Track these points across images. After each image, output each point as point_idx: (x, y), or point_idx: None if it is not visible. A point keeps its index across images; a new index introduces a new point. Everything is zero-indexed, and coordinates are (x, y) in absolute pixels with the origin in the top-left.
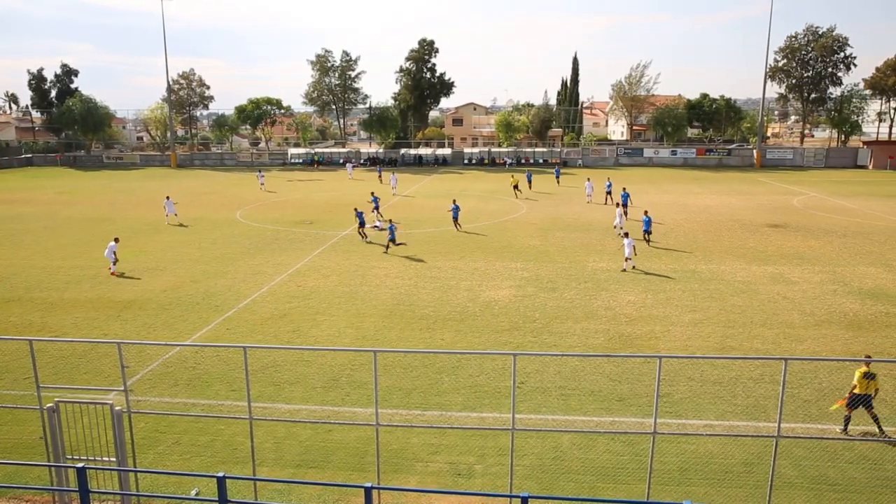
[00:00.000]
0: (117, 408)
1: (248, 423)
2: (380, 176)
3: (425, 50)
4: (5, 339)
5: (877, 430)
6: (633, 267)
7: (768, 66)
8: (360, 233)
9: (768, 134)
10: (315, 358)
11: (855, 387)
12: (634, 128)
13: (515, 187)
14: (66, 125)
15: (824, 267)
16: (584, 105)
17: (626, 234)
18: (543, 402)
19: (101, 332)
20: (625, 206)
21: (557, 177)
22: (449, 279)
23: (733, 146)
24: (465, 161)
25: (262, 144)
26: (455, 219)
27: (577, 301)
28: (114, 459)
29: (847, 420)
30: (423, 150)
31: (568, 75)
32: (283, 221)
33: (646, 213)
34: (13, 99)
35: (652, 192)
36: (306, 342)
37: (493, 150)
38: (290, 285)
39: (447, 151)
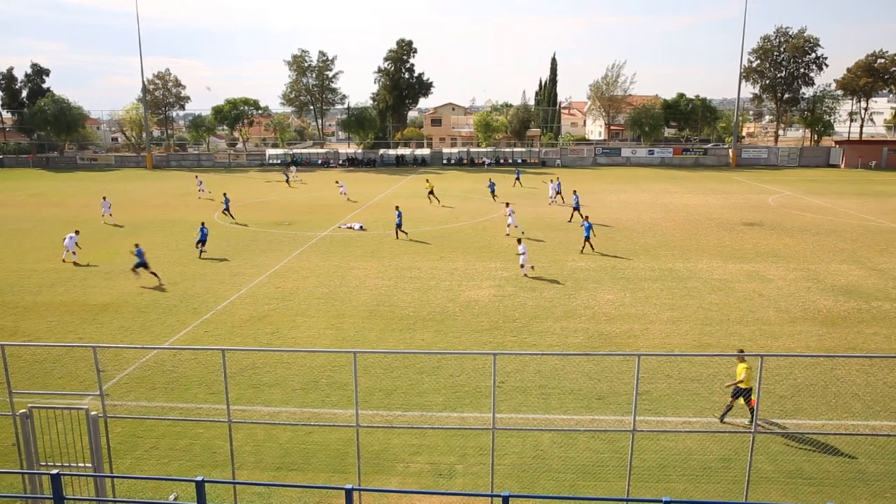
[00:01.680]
0: (93, 413)
1: (227, 427)
2: (287, 180)
3: (403, 50)
4: None
5: (748, 421)
6: (532, 267)
7: (743, 66)
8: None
9: (743, 133)
10: (295, 360)
11: (742, 381)
12: (612, 128)
13: (430, 193)
14: (38, 126)
15: (799, 264)
16: (563, 105)
17: (520, 241)
18: (524, 401)
19: (75, 336)
20: (576, 208)
21: (518, 178)
22: (429, 279)
23: (709, 146)
24: (444, 161)
25: (240, 145)
26: (399, 225)
27: (556, 300)
28: (90, 465)
29: (728, 409)
30: (402, 151)
31: (546, 75)
32: (262, 222)
33: (586, 218)
34: None
35: (630, 192)
36: (286, 344)
37: (472, 150)
38: (269, 287)
39: (426, 152)
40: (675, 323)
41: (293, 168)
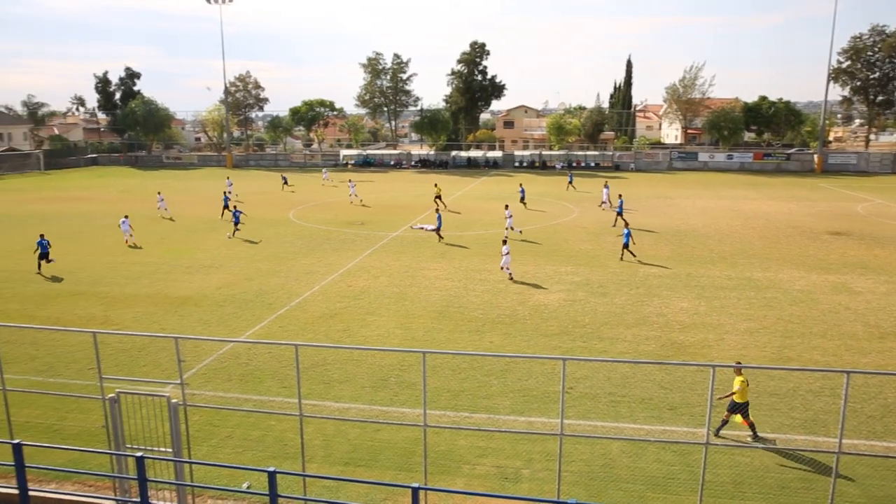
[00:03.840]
0: (174, 400)
1: (298, 420)
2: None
3: (476, 52)
4: (72, 331)
5: (751, 437)
6: (510, 275)
7: (831, 67)
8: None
9: (830, 138)
10: (364, 357)
11: (734, 393)
12: (689, 131)
13: (438, 198)
14: (129, 126)
15: (891, 277)
16: (638, 108)
17: (505, 242)
18: (592, 408)
19: (159, 327)
20: (620, 213)
21: (570, 181)
22: (498, 282)
23: (793, 151)
24: (516, 164)
25: (315, 146)
26: (437, 228)
27: (628, 307)
28: (170, 450)
29: (724, 424)
30: (473, 153)
31: (621, 77)
32: (335, 222)
33: (626, 224)
34: (81, 101)
35: (706, 197)
36: (356, 342)
37: (545, 152)
38: (340, 285)
39: (498, 154)
40: (753, 334)
41: (324, 171)
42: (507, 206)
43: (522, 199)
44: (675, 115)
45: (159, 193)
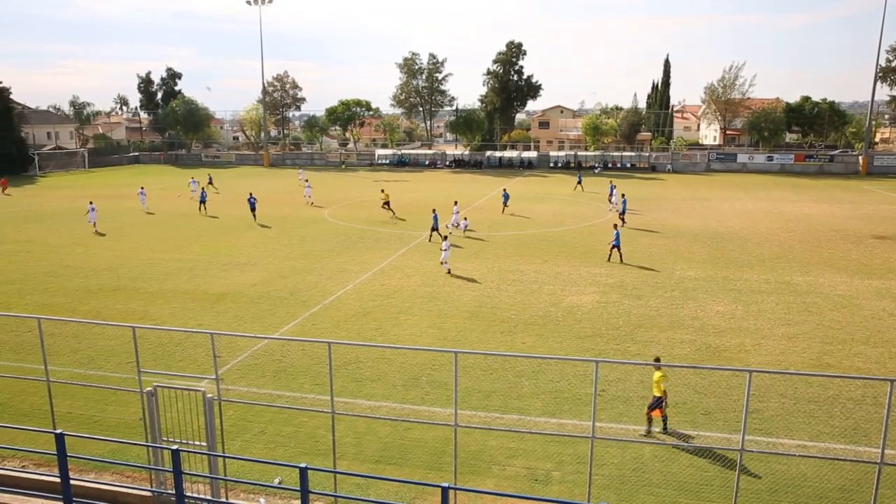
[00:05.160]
0: (209, 395)
1: (330, 417)
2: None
3: (512, 52)
4: (112, 325)
5: (660, 430)
6: (448, 271)
7: (879, 66)
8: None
9: (877, 139)
10: (396, 356)
11: (662, 389)
12: (728, 132)
13: (386, 204)
14: (170, 125)
15: None
16: (675, 108)
17: (445, 238)
18: (625, 411)
19: (195, 323)
20: (622, 213)
21: (579, 181)
22: (531, 283)
23: (836, 152)
24: (551, 164)
25: (351, 145)
26: (434, 228)
27: (662, 309)
28: (204, 444)
29: (665, 419)
30: (508, 153)
31: (659, 77)
32: (370, 221)
33: (615, 226)
34: (124, 101)
35: (745, 199)
36: (388, 340)
37: (580, 153)
38: (374, 284)
39: (533, 154)
40: (792, 339)
41: (301, 171)
42: (455, 202)
43: (506, 202)
44: (713, 116)
45: (142, 189)
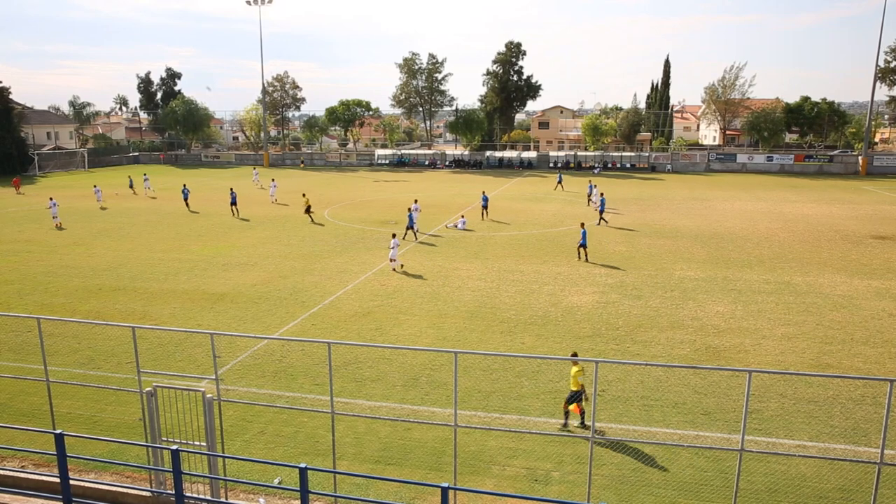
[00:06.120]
0: (208, 395)
1: (329, 417)
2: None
3: (512, 52)
4: (112, 325)
5: (578, 424)
6: (402, 266)
7: (878, 66)
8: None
9: (876, 139)
10: (396, 356)
11: (582, 385)
12: (728, 132)
13: (307, 210)
14: (169, 125)
15: None
16: (675, 109)
17: (394, 235)
18: (624, 411)
19: (195, 323)
20: (602, 211)
21: (560, 181)
22: (531, 283)
23: (836, 152)
24: (551, 164)
25: (350, 145)
26: (409, 227)
27: (662, 310)
28: (204, 444)
29: (583, 413)
30: (508, 153)
31: (658, 78)
32: (369, 221)
33: (582, 225)
34: (123, 101)
35: (744, 199)
36: (388, 340)
37: (580, 153)
38: (373, 284)
39: (532, 154)
40: (791, 340)
41: (255, 172)
42: (415, 201)
43: (485, 206)
44: (713, 116)
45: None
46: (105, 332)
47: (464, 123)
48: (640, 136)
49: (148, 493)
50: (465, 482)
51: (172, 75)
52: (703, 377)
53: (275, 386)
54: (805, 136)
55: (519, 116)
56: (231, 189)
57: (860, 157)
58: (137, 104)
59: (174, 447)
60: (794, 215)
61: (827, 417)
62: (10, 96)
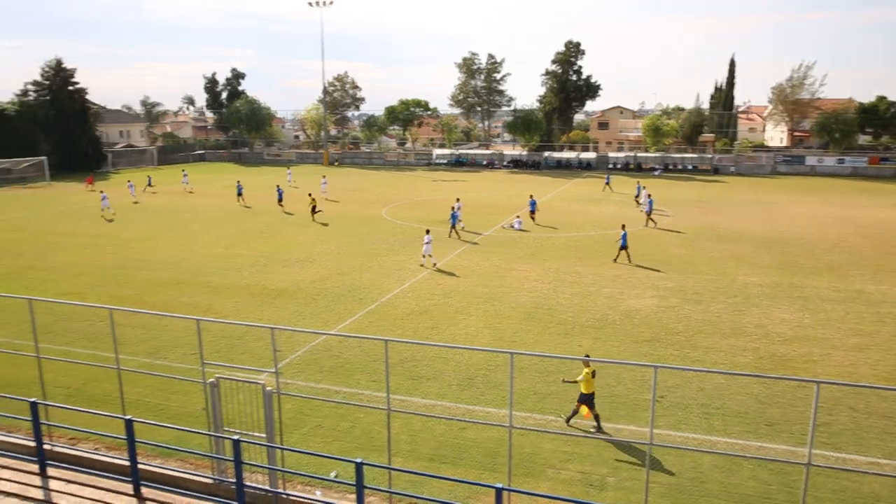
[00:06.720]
0: (268, 388)
1: (385, 414)
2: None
3: (571, 52)
4: (177, 318)
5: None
6: (434, 264)
7: None
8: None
9: None
10: (452, 355)
11: (578, 382)
12: (795, 134)
13: (313, 210)
14: (233, 124)
15: None
16: (740, 109)
17: (428, 231)
18: (684, 418)
19: (256, 317)
20: (649, 212)
21: (608, 182)
22: (589, 285)
23: None
24: (610, 165)
25: (409, 145)
26: (453, 226)
27: (724, 315)
28: (263, 435)
29: (574, 413)
30: (566, 154)
31: (723, 77)
32: (427, 220)
33: (623, 227)
34: (190, 101)
35: (813, 203)
36: (444, 339)
37: (640, 154)
38: (430, 283)
39: (591, 155)
40: (863, 351)
41: (288, 174)
42: (457, 199)
43: (533, 211)
44: (780, 117)
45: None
46: (171, 324)
47: (522, 123)
48: (703, 137)
49: (210, 480)
50: (518, 484)
51: (237, 75)
52: (767, 387)
53: (332, 381)
54: (880, 137)
55: (578, 117)
56: (277, 186)
57: None
58: (204, 103)
59: (235, 437)
60: (866, 220)
61: None
62: (87, 97)
